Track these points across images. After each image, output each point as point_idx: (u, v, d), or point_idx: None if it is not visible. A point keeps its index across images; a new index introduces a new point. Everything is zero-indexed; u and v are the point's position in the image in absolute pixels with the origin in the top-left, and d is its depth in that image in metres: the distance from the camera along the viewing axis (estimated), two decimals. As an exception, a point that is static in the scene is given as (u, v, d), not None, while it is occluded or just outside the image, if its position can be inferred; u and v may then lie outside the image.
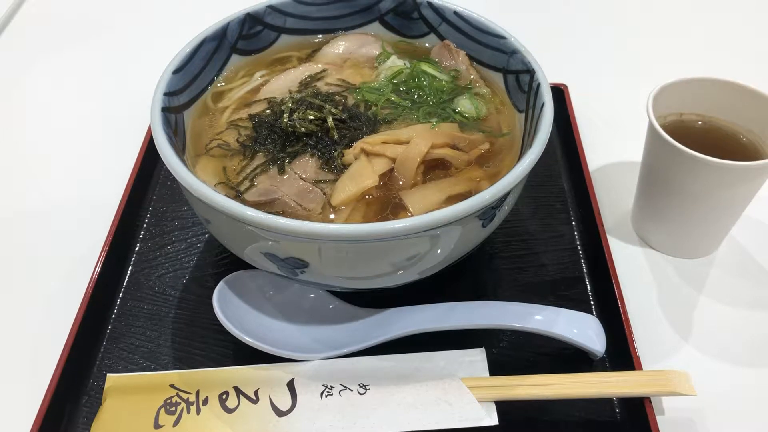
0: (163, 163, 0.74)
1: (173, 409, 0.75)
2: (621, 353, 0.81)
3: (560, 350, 0.82)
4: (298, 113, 0.84)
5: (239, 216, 0.69)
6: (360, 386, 0.76)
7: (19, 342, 0.87)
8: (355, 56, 1.00)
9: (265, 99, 0.91)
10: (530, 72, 0.87)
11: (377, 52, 0.99)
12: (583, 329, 0.81)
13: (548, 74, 0.85)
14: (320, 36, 1.03)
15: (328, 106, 0.85)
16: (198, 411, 0.74)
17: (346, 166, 0.82)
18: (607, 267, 0.89)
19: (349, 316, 0.84)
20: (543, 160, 0.77)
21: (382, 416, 0.74)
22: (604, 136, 1.14)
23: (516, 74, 0.90)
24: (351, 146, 0.83)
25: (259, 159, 0.83)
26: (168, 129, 0.79)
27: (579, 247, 0.96)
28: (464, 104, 0.91)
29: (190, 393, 0.76)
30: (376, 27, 1.03)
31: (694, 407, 0.79)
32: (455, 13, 0.97)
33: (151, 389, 0.76)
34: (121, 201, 0.97)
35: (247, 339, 0.78)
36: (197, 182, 0.71)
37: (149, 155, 1.04)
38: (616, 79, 1.31)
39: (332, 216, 0.78)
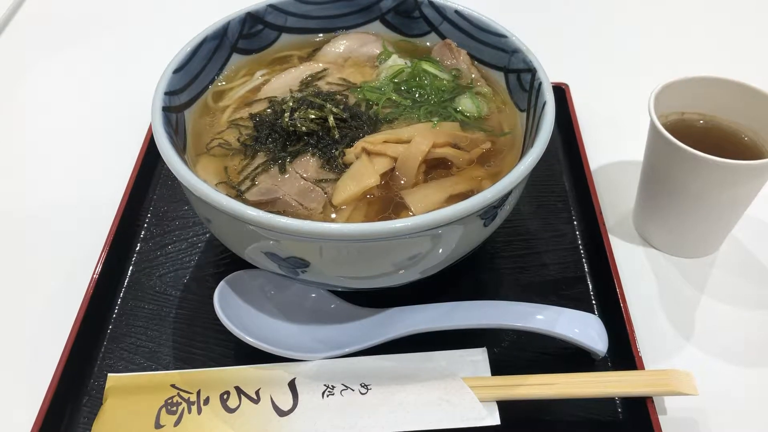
0: (163, 162, 0.74)
1: (174, 409, 0.74)
2: (623, 353, 0.81)
3: (562, 350, 0.82)
4: (299, 112, 0.84)
5: (240, 215, 0.69)
6: (361, 386, 0.76)
7: (20, 342, 0.87)
8: (356, 55, 0.99)
9: (266, 98, 0.91)
10: (531, 71, 0.87)
11: (378, 51, 0.99)
12: (584, 329, 0.81)
13: (549, 73, 0.85)
14: (321, 35, 1.03)
15: (329, 105, 0.85)
16: (199, 411, 0.74)
17: (347, 166, 0.81)
18: (608, 266, 0.89)
19: (350, 315, 0.84)
20: (544, 159, 0.76)
21: (383, 416, 0.74)
22: (606, 135, 1.13)
23: (517, 73, 0.90)
24: (352, 145, 0.82)
25: (260, 158, 0.83)
26: (169, 128, 0.79)
27: (580, 247, 0.96)
28: (465, 103, 0.91)
29: (191, 393, 0.76)
30: (377, 26, 1.02)
31: (696, 407, 0.79)
32: (456, 11, 0.96)
33: (152, 389, 0.76)
34: (122, 200, 0.96)
35: (248, 339, 0.78)
36: (198, 182, 0.71)
37: (150, 155, 1.04)
38: (617, 78, 1.31)
39: (333, 215, 0.78)
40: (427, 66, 0.94)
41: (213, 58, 0.93)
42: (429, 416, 0.73)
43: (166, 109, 0.81)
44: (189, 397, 0.75)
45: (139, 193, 1.01)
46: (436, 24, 0.99)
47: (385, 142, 0.82)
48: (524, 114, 0.88)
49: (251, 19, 0.96)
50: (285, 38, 1.01)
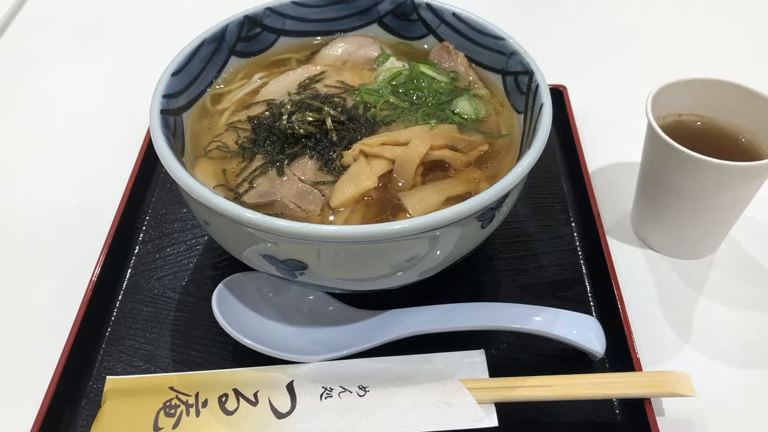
0: (162, 165, 0.74)
1: (173, 411, 0.75)
2: (621, 354, 0.81)
3: (560, 351, 0.82)
4: (297, 115, 0.84)
5: (238, 218, 0.69)
6: (359, 388, 0.76)
7: (19, 344, 0.87)
8: (353, 58, 1.00)
9: (264, 101, 0.91)
10: (529, 73, 0.87)
11: (376, 54, 1.00)
12: (582, 330, 0.81)
13: (547, 75, 0.85)
14: (319, 38, 1.03)
15: (326, 108, 0.85)
16: (197, 413, 0.74)
17: (345, 168, 0.82)
18: (606, 268, 0.89)
19: (348, 317, 0.84)
20: (542, 161, 0.77)
21: (381, 418, 0.74)
22: (604, 137, 1.14)
23: (515, 75, 0.90)
24: (350, 148, 0.83)
25: (258, 161, 0.83)
26: (167, 131, 0.79)
27: (578, 249, 0.96)
28: (463, 106, 0.91)
29: (189, 395, 0.76)
30: (374, 29, 1.03)
31: (694, 408, 0.79)
32: (454, 14, 0.97)
33: (150, 391, 0.76)
34: (121, 203, 0.97)
35: (247, 341, 0.78)
36: (196, 184, 0.71)
37: (148, 157, 1.04)
38: (615, 80, 1.31)
39: (331, 218, 0.78)
40: (424, 68, 0.94)
41: (211, 61, 0.93)
42: (427, 418, 0.74)
43: (165, 112, 0.81)
44: (187, 400, 0.75)
45: (137, 196, 1.01)
46: (434, 27, 0.99)
47: (382, 144, 0.82)
48: (522, 116, 0.88)
49: (249, 22, 0.96)
50: (283, 41, 1.01)
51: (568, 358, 0.82)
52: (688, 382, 0.76)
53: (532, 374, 0.77)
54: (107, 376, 0.78)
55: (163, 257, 0.95)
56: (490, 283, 0.92)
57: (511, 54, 0.91)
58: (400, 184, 0.81)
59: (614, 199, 1.04)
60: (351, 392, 0.76)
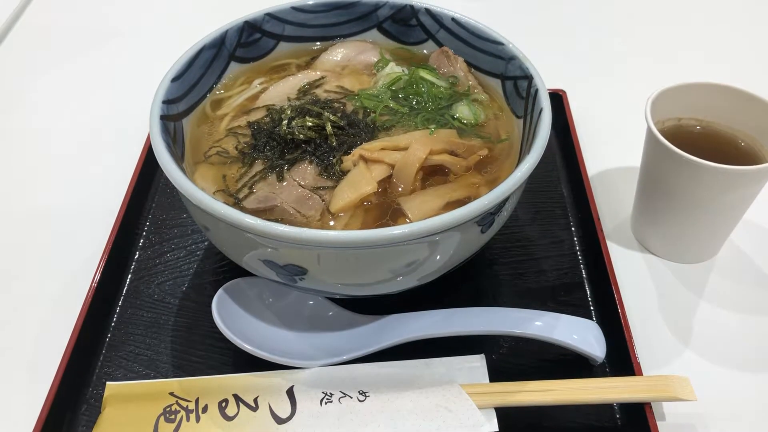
0: (162, 171, 0.75)
1: (172, 417, 0.74)
2: (621, 358, 0.81)
3: (560, 356, 0.82)
4: (297, 120, 0.85)
5: (238, 223, 0.69)
6: (360, 393, 0.76)
7: (19, 350, 0.87)
8: (353, 63, 1.00)
9: (263, 106, 0.91)
10: (528, 78, 0.87)
11: (375, 59, 1.00)
12: (582, 335, 0.81)
13: (546, 80, 0.85)
14: (318, 43, 1.03)
15: (326, 113, 0.85)
16: (197, 419, 0.74)
17: (344, 173, 0.82)
18: (606, 272, 0.89)
19: (348, 322, 0.84)
20: (542, 165, 0.77)
21: (381, 423, 0.74)
22: (603, 141, 1.14)
23: (514, 80, 0.91)
24: (350, 153, 0.83)
25: (258, 166, 0.83)
26: (167, 137, 0.80)
27: (578, 253, 0.96)
28: (462, 110, 0.91)
29: (189, 401, 0.76)
30: (374, 34, 1.03)
31: (694, 412, 0.79)
32: (453, 19, 0.97)
33: (150, 397, 0.76)
34: (121, 209, 0.97)
35: (246, 347, 0.78)
36: (196, 190, 0.71)
37: (149, 163, 1.04)
38: (614, 85, 1.31)
39: (331, 223, 0.78)
40: (424, 73, 0.94)
41: (211, 66, 0.93)
42: (427, 423, 0.73)
43: (164, 118, 0.81)
44: (187, 405, 0.75)
45: (138, 201, 1.01)
46: (433, 32, 1.00)
47: (382, 149, 0.82)
48: (521, 121, 0.88)
49: (249, 27, 0.96)
50: (283, 47, 1.01)
51: (569, 363, 0.82)
52: (688, 386, 0.76)
53: (533, 379, 0.77)
54: (107, 382, 0.78)
55: (164, 262, 0.95)
56: (491, 288, 0.92)
57: (510, 59, 0.91)
58: (399, 188, 0.81)
59: (614, 204, 1.04)
60: (351, 397, 0.76)
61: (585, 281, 0.92)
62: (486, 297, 0.91)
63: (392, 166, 0.81)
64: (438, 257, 0.75)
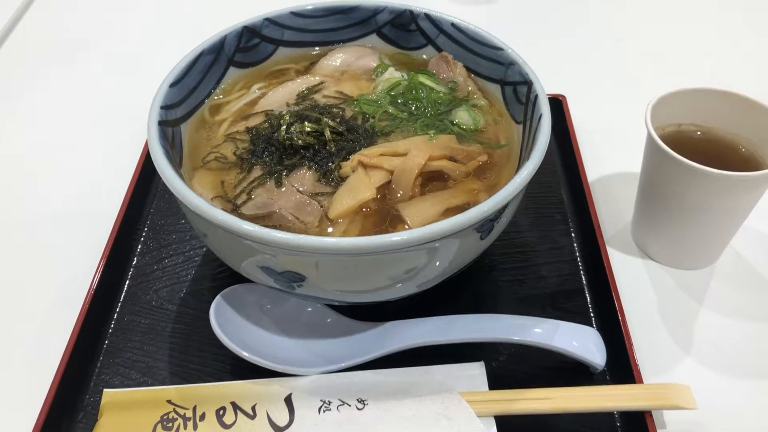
0: (160, 176, 0.74)
1: (170, 424, 0.74)
2: (621, 366, 0.80)
3: (560, 363, 0.82)
4: (296, 126, 0.84)
5: (236, 230, 0.68)
6: (358, 401, 0.76)
7: (16, 356, 0.87)
8: (352, 68, 0.99)
9: (262, 111, 0.91)
10: (528, 83, 0.87)
11: (375, 64, 0.99)
12: (583, 342, 0.80)
13: (546, 85, 0.85)
14: (318, 48, 1.03)
15: (325, 119, 0.85)
16: (195, 427, 0.74)
17: (343, 179, 0.81)
18: (606, 279, 0.88)
19: (346, 329, 0.83)
20: (542, 171, 0.76)
21: (380, 431, 0.73)
22: (603, 146, 1.13)
23: (513, 85, 0.90)
24: (348, 159, 0.82)
25: (257, 172, 0.82)
26: (165, 142, 0.79)
27: (578, 259, 0.95)
28: (462, 116, 0.91)
29: (187, 408, 0.75)
30: (373, 39, 1.02)
31: (695, 420, 0.79)
32: (453, 24, 0.97)
33: (147, 405, 0.76)
34: (119, 214, 0.96)
35: (244, 354, 0.77)
36: (194, 196, 0.71)
37: (147, 168, 1.04)
38: (614, 90, 1.31)
39: (330, 229, 0.77)
40: (423, 79, 0.94)
41: (210, 71, 0.93)
42: (426, 431, 0.73)
43: (163, 123, 0.81)
44: (185, 413, 0.75)
45: (136, 207, 1.01)
46: (433, 37, 0.99)
47: (381, 155, 0.82)
48: (521, 126, 0.88)
49: (248, 32, 0.96)
50: (282, 51, 1.01)
51: (569, 370, 0.81)
52: (689, 394, 0.75)
53: (533, 386, 0.76)
54: (104, 389, 0.77)
55: (162, 268, 0.94)
56: (490, 294, 0.92)
57: (509, 64, 0.90)
58: (398, 194, 0.81)
59: (614, 209, 1.04)
60: (350, 405, 0.75)
61: (585, 288, 0.92)
62: (485, 303, 0.91)
63: (391, 172, 0.81)
64: (437, 264, 0.74)
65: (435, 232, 0.68)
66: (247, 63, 0.98)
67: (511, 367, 0.83)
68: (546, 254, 0.96)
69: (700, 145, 0.93)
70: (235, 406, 0.75)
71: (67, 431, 0.77)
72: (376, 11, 1.00)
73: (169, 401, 0.76)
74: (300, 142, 0.83)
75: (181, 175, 0.76)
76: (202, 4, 1.60)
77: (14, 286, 0.96)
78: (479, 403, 0.75)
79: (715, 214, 0.88)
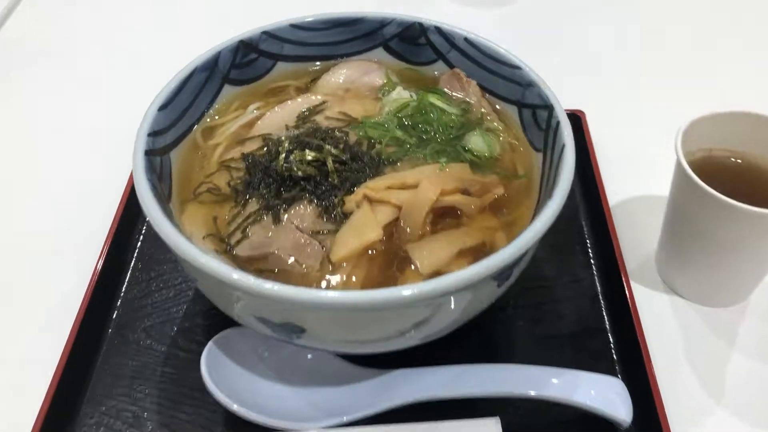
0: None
1: (156, 488, 0.68)
2: (649, 421, 0.74)
3: (583, 417, 0.75)
4: (296, 154, 0.77)
5: (226, 280, 0.62)
6: (362, 463, 0.69)
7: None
8: (357, 86, 0.92)
9: (260, 135, 0.84)
10: (548, 107, 0.79)
11: (381, 81, 0.92)
12: (606, 395, 0.74)
13: (564, 99, 0.78)
14: (319, 63, 0.95)
15: (327, 146, 0.78)
16: (183, 491, 0.68)
17: (347, 215, 0.74)
18: (631, 319, 0.82)
19: (350, 377, 0.77)
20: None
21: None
22: (626, 167, 1.05)
23: (533, 109, 0.83)
24: (353, 191, 0.75)
25: (252, 206, 0.76)
26: (152, 175, 0.72)
27: (600, 295, 0.89)
28: (476, 141, 0.84)
29: (175, 469, 0.69)
30: (379, 53, 0.95)
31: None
32: (466, 39, 0.89)
33: (132, 464, 0.70)
34: (105, 243, 0.89)
35: (238, 409, 0.71)
36: (182, 241, 0.64)
37: (135, 193, 0.96)
38: (639, 105, 1.21)
39: (331, 281, 0.71)
40: (434, 99, 0.87)
41: (203, 91, 0.86)
42: (436, 499, 0.67)
43: (150, 153, 0.74)
44: (173, 475, 0.69)
45: (123, 235, 0.93)
46: (444, 52, 0.92)
47: (388, 188, 0.75)
48: (540, 155, 0.81)
49: (244, 47, 0.89)
50: (281, 67, 0.93)
51: (593, 426, 0.75)
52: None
53: (553, 446, 0.70)
54: (86, 447, 0.71)
55: (151, 303, 0.88)
56: (503, 335, 0.85)
57: (528, 85, 0.83)
58: (407, 233, 0.74)
59: (638, 238, 0.96)
60: (353, 467, 0.69)
61: (608, 329, 0.85)
62: (499, 346, 0.84)
63: (399, 208, 0.74)
64: (448, 315, 0.68)
65: (448, 285, 0.61)
66: (243, 80, 0.91)
67: (529, 420, 0.76)
68: (564, 289, 0.89)
69: (732, 173, 0.86)
70: (228, 468, 0.69)
71: (46, 491, 0.71)
72: (383, 23, 0.93)
73: (156, 461, 0.70)
74: (300, 173, 0.76)
75: (170, 214, 0.70)
76: (194, 17, 1.47)
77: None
78: (495, 467, 0.68)
79: (749, 252, 0.81)
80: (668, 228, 0.90)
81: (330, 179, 0.76)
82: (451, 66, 0.92)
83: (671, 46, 1.38)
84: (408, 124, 0.86)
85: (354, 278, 0.70)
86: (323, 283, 0.70)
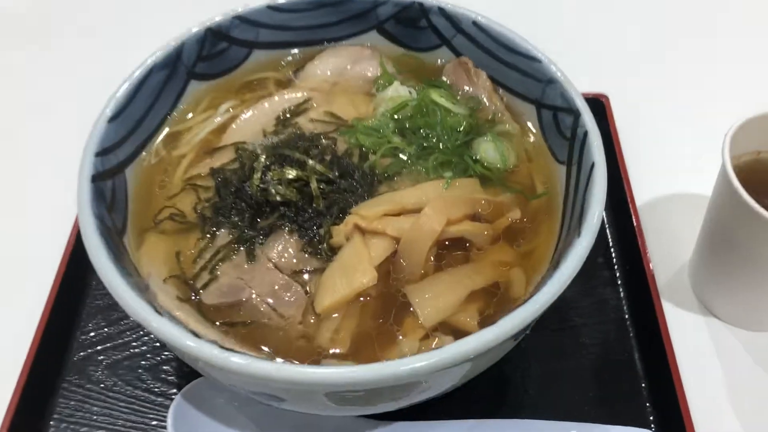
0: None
1: None
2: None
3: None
4: (274, 172, 0.65)
5: (184, 351, 0.51)
6: None
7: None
8: (346, 78, 0.79)
9: (232, 145, 0.71)
10: (574, 112, 0.67)
11: (375, 72, 0.79)
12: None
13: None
14: (298, 49, 0.82)
15: (311, 162, 0.66)
16: None
17: (334, 250, 0.63)
18: (664, 352, 0.72)
19: (344, 428, 0.67)
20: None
21: None
22: (654, 161, 0.93)
23: (554, 111, 0.70)
24: (341, 219, 0.64)
25: (222, 238, 0.64)
26: (100, 207, 0.61)
27: (627, 319, 0.78)
28: (486, 150, 0.71)
29: None
30: (373, 37, 0.82)
31: None
32: (475, 23, 0.75)
33: None
34: (57, 277, 0.77)
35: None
36: (133, 300, 0.53)
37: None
38: (671, 90, 1.04)
39: (316, 332, 0.59)
40: (437, 96, 0.74)
41: (163, 92, 0.73)
42: None
43: (98, 177, 0.62)
44: None
45: (79, 257, 0.79)
46: (449, 37, 0.78)
47: (384, 215, 0.63)
48: (563, 168, 0.68)
49: (213, 36, 0.75)
50: (257, 56, 0.80)
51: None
52: None
53: None
54: None
55: (113, 336, 0.76)
56: (519, 373, 0.74)
57: (548, 82, 0.70)
58: (406, 270, 0.62)
59: (668, 245, 0.85)
60: None
61: (636, 361, 0.75)
62: (513, 383, 0.74)
63: (397, 240, 0.62)
64: (451, 379, 0.57)
65: (454, 356, 0.50)
66: (212, 74, 0.78)
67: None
68: (587, 312, 0.78)
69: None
70: None
71: None
72: (377, 3, 0.79)
73: None
74: (278, 197, 0.64)
75: (121, 257, 0.58)
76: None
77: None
78: None
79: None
80: (706, 240, 0.78)
81: (315, 205, 0.64)
82: (457, 54, 0.79)
83: (721, 31, 1.17)
84: (407, 125, 0.73)
85: (342, 333, 0.59)
86: (304, 340, 0.59)
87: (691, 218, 0.82)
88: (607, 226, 0.86)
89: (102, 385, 0.73)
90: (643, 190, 0.89)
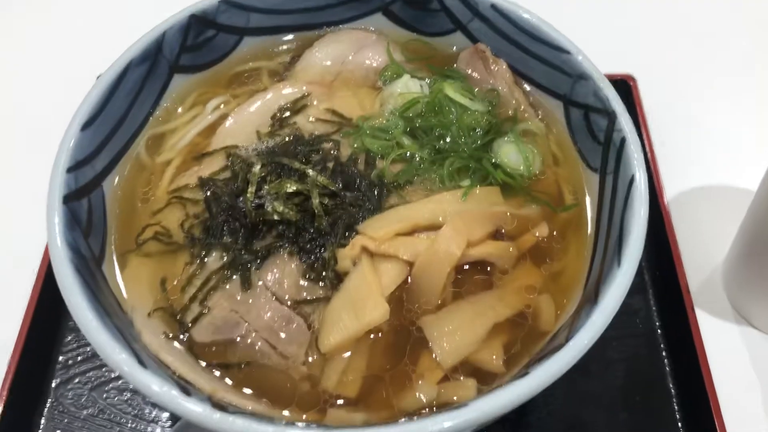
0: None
1: None
2: None
3: None
4: (271, 185, 0.57)
5: (178, 412, 0.44)
6: None
7: None
8: (349, 68, 0.71)
9: (223, 149, 0.64)
10: (609, 114, 0.59)
11: (381, 61, 0.71)
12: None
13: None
14: (293, 35, 0.73)
15: (312, 173, 0.58)
16: None
17: (340, 277, 0.56)
18: (698, 367, 0.66)
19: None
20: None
21: None
22: (687, 151, 0.85)
23: (585, 110, 0.63)
24: (347, 239, 0.56)
25: (214, 262, 0.57)
26: (73, 232, 0.53)
27: (659, 330, 0.72)
28: (507, 153, 0.64)
29: None
30: (378, 20, 0.73)
31: None
32: (493, 6, 0.67)
33: None
34: (29, 305, 0.70)
35: None
36: (118, 356, 0.46)
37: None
38: (703, 70, 0.94)
39: (321, 375, 0.53)
40: (451, 91, 0.66)
41: (143, 89, 0.65)
42: None
43: (71, 197, 0.55)
44: None
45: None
46: (464, 21, 0.70)
47: (396, 234, 0.56)
48: (596, 176, 0.61)
49: (198, 23, 0.67)
50: (249, 44, 0.72)
51: None
52: None
53: None
54: None
55: (94, 368, 0.69)
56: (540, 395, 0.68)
57: (579, 77, 0.62)
58: (421, 299, 0.55)
59: (700, 244, 0.78)
60: None
61: (668, 377, 0.69)
62: (535, 403, 0.67)
63: (411, 265, 0.55)
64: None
65: (484, 413, 0.45)
66: (198, 66, 0.70)
67: None
68: (615, 323, 0.72)
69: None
70: None
71: None
72: (383, -18, 0.70)
73: None
74: (276, 216, 0.56)
75: (99, 292, 0.51)
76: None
77: None
78: None
79: None
80: (746, 242, 0.71)
81: (317, 224, 0.57)
82: (473, 40, 0.70)
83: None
84: (418, 124, 0.65)
85: (351, 376, 0.53)
86: (308, 384, 0.53)
87: (727, 217, 0.75)
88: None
89: (84, 415, 0.67)
90: (672, 183, 0.82)
